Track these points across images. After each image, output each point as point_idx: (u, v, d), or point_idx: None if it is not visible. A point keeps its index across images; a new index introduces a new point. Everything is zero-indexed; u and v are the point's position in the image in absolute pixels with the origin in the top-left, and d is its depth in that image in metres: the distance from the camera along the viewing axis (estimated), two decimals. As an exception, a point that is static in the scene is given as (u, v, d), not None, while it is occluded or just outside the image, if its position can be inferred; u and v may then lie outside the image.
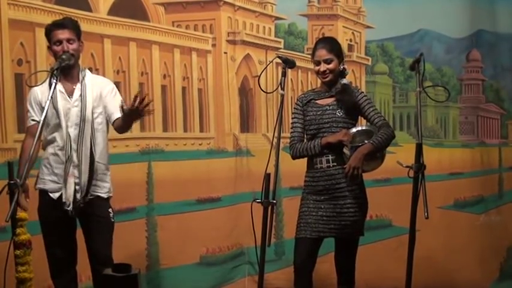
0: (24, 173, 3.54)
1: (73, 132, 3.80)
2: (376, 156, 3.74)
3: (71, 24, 3.83)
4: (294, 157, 3.94)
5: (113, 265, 3.71)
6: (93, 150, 3.82)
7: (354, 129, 3.82)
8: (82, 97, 3.82)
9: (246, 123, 5.80)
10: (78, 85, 3.85)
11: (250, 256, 5.44)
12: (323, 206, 3.81)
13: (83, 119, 3.79)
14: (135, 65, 5.47)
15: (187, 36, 5.68)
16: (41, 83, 3.78)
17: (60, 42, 3.77)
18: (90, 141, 3.81)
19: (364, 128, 3.85)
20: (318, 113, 3.87)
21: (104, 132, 3.93)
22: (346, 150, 3.74)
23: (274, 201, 3.54)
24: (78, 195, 3.78)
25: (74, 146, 3.78)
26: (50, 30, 3.81)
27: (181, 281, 5.38)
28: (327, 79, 3.88)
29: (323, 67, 3.85)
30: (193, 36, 5.69)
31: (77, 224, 3.96)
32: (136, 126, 5.36)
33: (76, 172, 3.79)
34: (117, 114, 3.84)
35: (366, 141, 3.71)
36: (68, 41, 3.78)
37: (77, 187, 3.79)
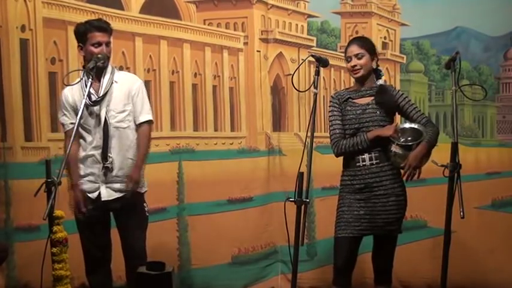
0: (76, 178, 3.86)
1: (106, 131, 3.97)
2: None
3: (109, 29, 4.01)
4: (338, 154, 3.98)
5: (147, 262, 3.90)
6: (127, 148, 4.03)
7: (406, 125, 3.90)
8: (114, 98, 4.00)
9: (278, 122, 5.86)
10: (109, 86, 4.00)
11: (283, 255, 5.53)
12: (364, 204, 3.90)
13: (117, 119, 4.00)
14: (166, 63, 5.62)
15: (219, 34, 5.77)
16: (73, 84, 3.97)
17: (99, 44, 3.95)
18: (124, 140, 4.02)
19: (413, 125, 3.89)
20: (358, 111, 3.95)
21: (133, 130, 4.10)
22: (395, 149, 3.81)
23: (307, 200, 3.66)
24: (124, 193, 3.99)
25: (109, 144, 3.97)
26: (87, 30, 3.95)
27: (213, 280, 5.50)
28: (358, 75, 3.99)
29: (353, 62, 3.97)
30: (224, 34, 5.78)
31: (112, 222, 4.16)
32: (166, 125, 5.58)
33: (112, 170, 3.99)
34: (141, 118, 4.08)
35: (412, 139, 3.78)
36: (107, 44, 3.97)
37: (118, 185, 4.00)
